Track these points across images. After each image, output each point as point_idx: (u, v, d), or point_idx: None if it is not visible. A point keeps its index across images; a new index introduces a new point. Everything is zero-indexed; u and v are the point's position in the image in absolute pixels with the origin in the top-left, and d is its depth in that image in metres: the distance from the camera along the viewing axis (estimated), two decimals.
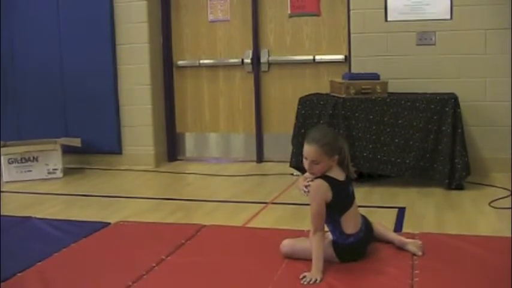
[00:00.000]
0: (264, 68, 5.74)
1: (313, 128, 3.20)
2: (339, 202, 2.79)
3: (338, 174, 2.81)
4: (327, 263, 2.74)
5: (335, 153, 2.78)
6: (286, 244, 2.93)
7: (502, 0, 4.74)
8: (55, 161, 5.41)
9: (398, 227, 3.51)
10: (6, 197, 4.68)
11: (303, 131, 4.65)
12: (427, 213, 3.86)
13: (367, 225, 2.92)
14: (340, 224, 2.81)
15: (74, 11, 5.74)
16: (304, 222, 3.41)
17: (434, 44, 4.96)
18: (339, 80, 4.77)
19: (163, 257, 3.00)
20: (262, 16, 5.71)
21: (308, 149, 2.76)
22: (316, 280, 2.61)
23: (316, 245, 2.71)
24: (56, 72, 5.85)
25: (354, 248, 2.82)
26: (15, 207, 4.35)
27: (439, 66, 4.95)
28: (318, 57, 5.55)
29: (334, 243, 2.82)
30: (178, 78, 6.03)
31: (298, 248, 2.88)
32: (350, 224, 2.81)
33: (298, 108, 4.73)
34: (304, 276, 2.64)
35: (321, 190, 2.75)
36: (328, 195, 2.75)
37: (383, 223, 3.24)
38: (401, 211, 3.88)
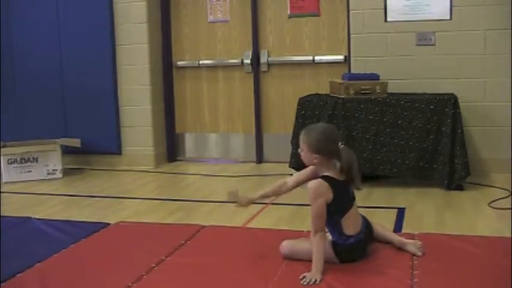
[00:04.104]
0: (263, 68, 5.74)
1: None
2: (339, 203, 2.78)
3: (338, 174, 2.81)
4: (327, 264, 2.74)
5: (313, 151, 2.79)
6: (286, 245, 2.93)
7: (502, 1, 4.75)
8: (55, 161, 5.41)
9: (398, 228, 3.52)
10: (6, 197, 4.68)
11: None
12: (426, 214, 3.86)
13: (367, 226, 2.92)
14: (341, 225, 2.80)
15: (73, 12, 5.74)
16: (304, 222, 3.41)
17: (433, 45, 4.96)
18: (339, 80, 4.77)
19: (163, 258, 3.00)
20: (262, 17, 5.71)
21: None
22: (316, 280, 2.61)
23: (316, 245, 2.71)
24: (55, 73, 5.85)
25: (354, 249, 2.82)
26: (14, 207, 4.35)
27: (438, 66, 4.95)
28: (317, 58, 5.55)
29: (334, 244, 2.81)
30: (178, 78, 6.03)
31: (298, 249, 2.88)
32: (350, 225, 2.81)
33: (297, 109, 4.73)
34: (304, 277, 2.64)
35: (321, 191, 2.74)
36: (329, 195, 2.74)
37: (383, 223, 3.24)
38: (401, 211, 3.89)
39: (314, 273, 2.65)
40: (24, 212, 4.16)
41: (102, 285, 2.74)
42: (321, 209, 2.74)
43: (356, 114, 4.55)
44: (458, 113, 4.44)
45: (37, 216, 3.92)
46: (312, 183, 2.78)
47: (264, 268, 2.82)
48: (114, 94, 5.78)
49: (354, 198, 2.87)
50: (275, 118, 5.78)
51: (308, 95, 4.94)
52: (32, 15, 5.86)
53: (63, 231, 3.52)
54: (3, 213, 3.96)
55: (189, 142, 6.12)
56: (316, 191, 2.75)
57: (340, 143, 2.79)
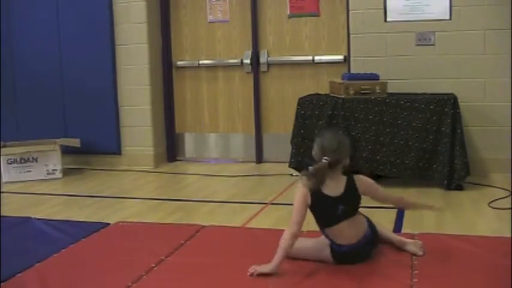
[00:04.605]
0: (263, 68, 5.74)
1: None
2: (320, 214, 2.78)
3: (330, 189, 2.75)
4: (326, 263, 2.75)
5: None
6: None
7: (501, 1, 4.75)
8: (54, 161, 5.41)
9: (397, 227, 3.52)
10: (6, 197, 4.68)
11: (302, 131, 4.65)
12: (426, 214, 3.84)
13: (372, 233, 2.84)
14: (328, 235, 2.80)
15: (73, 12, 5.74)
16: (303, 222, 3.40)
17: (433, 45, 4.96)
18: (338, 80, 4.77)
19: (163, 258, 3.00)
20: (262, 17, 5.71)
21: None
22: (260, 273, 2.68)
23: (283, 244, 2.71)
24: (55, 73, 5.85)
25: (348, 256, 2.79)
26: (14, 207, 4.35)
27: (438, 66, 4.95)
28: (317, 58, 5.55)
29: (330, 247, 2.81)
30: (178, 78, 6.03)
31: (297, 247, 2.87)
32: (340, 237, 2.78)
33: (297, 109, 4.73)
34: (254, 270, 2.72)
35: (301, 191, 2.76)
36: (307, 199, 2.74)
37: (383, 223, 3.24)
38: (400, 211, 3.87)
39: (266, 266, 2.70)
40: (24, 212, 4.16)
41: (102, 285, 2.74)
42: (299, 206, 2.75)
43: (356, 114, 4.55)
44: (457, 113, 4.44)
45: (37, 216, 3.92)
46: (298, 184, 2.82)
47: None
48: (113, 94, 5.78)
49: (346, 215, 2.77)
50: (275, 118, 5.78)
51: (308, 95, 4.94)
52: (32, 15, 5.86)
53: (63, 231, 3.52)
54: (3, 213, 3.96)
55: (189, 142, 6.12)
56: (297, 191, 2.79)
57: (325, 158, 2.71)
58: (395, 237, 3.03)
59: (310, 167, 2.76)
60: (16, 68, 5.95)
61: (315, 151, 2.81)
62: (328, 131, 3.11)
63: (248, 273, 2.72)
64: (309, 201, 2.75)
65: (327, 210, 2.77)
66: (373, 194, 2.93)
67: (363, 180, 2.88)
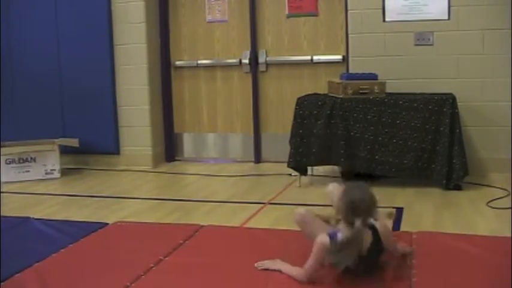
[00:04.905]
0: (262, 68, 5.74)
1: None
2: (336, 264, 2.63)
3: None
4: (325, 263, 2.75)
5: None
6: (302, 212, 2.96)
7: (500, 1, 4.75)
8: (53, 161, 5.40)
9: (396, 227, 3.51)
10: (5, 197, 4.67)
11: (300, 131, 4.65)
12: (425, 214, 3.86)
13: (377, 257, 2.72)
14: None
15: (71, 11, 5.73)
16: None
17: (432, 44, 4.96)
18: (337, 80, 4.77)
19: (162, 258, 3.00)
20: (260, 16, 5.71)
21: None
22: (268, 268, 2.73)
23: (297, 270, 2.65)
24: (54, 73, 5.84)
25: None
26: (13, 207, 4.34)
27: (437, 66, 4.95)
28: (315, 58, 5.55)
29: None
30: (176, 78, 6.03)
31: (309, 222, 2.86)
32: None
33: (296, 109, 4.73)
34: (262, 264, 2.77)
35: (322, 247, 2.55)
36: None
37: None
38: (399, 211, 3.89)
39: (277, 263, 2.73)
40: (22, 212, 4.16)
41: (101, 285, 2.74)
42: (317, 255, 2.58)
43: (354, 114, 4.55)
44: (456, 112, 4.45)
45: (35, 216, 3.91)
46: (318, 238, 2.58)
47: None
48: (112, 94, 5.77)
49: (369, 271, 2.65)
50: (273, 118, 5.78)
51: (306, 95, 4.94)
52: (31, 15, 5.85)
53: (62, 231, 3.52)
54: (1, 214, 3.96)
55: (188, 142, 6.12)
56: (318, 247, 2.57)
57: (357, 219, 2.44)
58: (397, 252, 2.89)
59: (338, 236, 2.46)
60: (15, 68, 5.94)
61: (342, 212, 2.54)
62: (351, 185, 2.67)
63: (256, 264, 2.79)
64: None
65: (347, 269, 2.59)
66: (384, 243, 2.67)
67: (385, 228, 2.68)
